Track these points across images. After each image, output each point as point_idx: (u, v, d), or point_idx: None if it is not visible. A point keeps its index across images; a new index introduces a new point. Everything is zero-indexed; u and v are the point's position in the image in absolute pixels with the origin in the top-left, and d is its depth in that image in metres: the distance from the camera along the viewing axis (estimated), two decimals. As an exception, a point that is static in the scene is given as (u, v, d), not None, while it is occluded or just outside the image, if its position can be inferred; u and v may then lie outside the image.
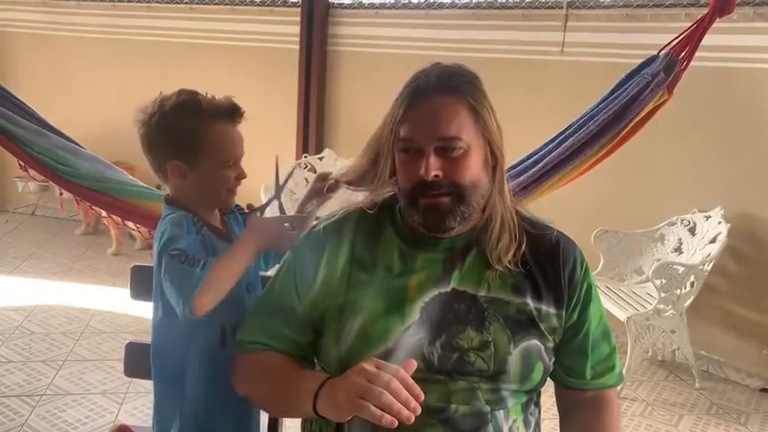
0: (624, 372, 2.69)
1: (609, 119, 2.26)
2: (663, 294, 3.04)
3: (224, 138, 1.28)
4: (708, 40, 2.31)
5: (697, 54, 2.31)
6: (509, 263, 1.12)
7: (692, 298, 3.13)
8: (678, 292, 3.06)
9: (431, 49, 4.01)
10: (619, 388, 1.83)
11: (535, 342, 1.11)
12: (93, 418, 2.64)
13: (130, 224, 2.35)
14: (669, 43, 2.32)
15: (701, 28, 2.28)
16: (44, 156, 2.20)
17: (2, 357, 3.07)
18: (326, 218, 1.23)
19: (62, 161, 2.20)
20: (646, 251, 3.48)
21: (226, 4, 4.71)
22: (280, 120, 4.44)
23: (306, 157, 4.32)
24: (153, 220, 2.13)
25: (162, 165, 1.29)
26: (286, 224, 1.29)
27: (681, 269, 3.04)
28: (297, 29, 4.44)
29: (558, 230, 1.20)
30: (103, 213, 2.53)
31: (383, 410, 0.90)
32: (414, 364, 0.97)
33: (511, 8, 3.91)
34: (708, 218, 3.29)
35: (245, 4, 4.68)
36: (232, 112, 1.28)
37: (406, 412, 0.91)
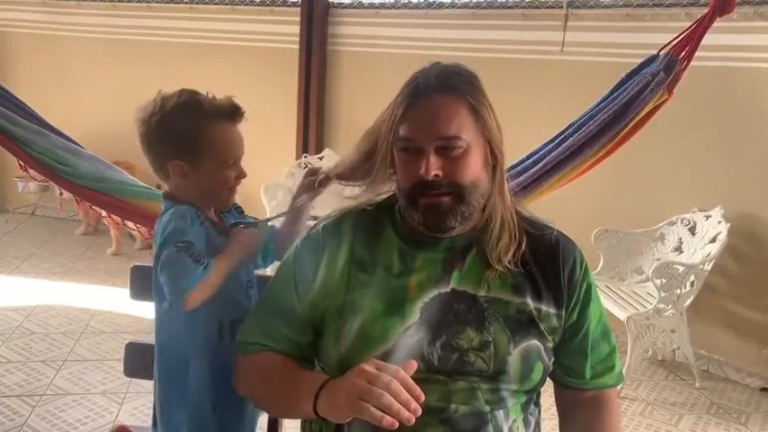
0: (624, 371, 2.69)
1: (609, 118, 2.26)
2: (663, 294, 3.04)
3: (225, 138, 1.28)
4: (708, 39, 2.30)
5: (697, 53, 2.31)
6: (509, 263, 1.12)
7: (692, 297, 3.13)
8: (678, 291, 3.06)
9: (431, 48, 4.01)
10: (619, 387, 1.83)
11: (535, 342, 1.11)
12: (93, 418, 2.64)
13: (130, 224, 2.35)
14: (669, 43, 2.32)
15: (701, 27, 2.27)
16: (44, 156, 2.20)
17: (2, 357, 3.07)
18: (325, 218, 1.23)
19: (62, 161, 2.20)
20: (646, 251, 3.48)
21: (226, 4, 4.71)
22: (280, 119, 4.44)
23: (306, 156, 4.32)
24: (153, 219, 2.11)
25: (162, 164, 1.29)
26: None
27: (681, 269, 3.04)
28: (297, 29, 4.44)
29: (557, 230, 1.20)
30: (103, 213, 2.53)
31: (383, 412, 0.90)
32: (414, 365, 0.97)
33: (511, 8, 3.91)
34: (708, 217, 3.29)
35: (245, 4, 4.68)
36: (233, 113, 1.29)
37: (406, 413, 0.91)
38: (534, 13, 3.82)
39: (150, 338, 1.40)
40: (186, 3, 4.84)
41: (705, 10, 2.30)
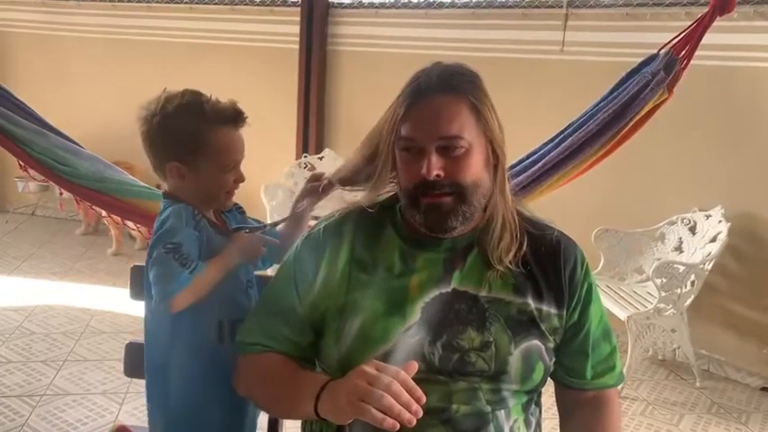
0: (625, 371, 2.68)
1: (609, 118, 2.25)
2: (663, 293, 3.04)
3: (225, 142, 1.28)
4: (708, 38, 2.30)
5: (697, 53, 2.31)
6: (510, 263, 1.12)
7: (693, 297, 3.13)
8: (678, 291, 3.06)
9: (431, 48, 4.01)
10: (619, 387, 1.83)
11: (536, 342, 1.11)
12: (93, 418, 2.64)
13: (130, 224, 2.35)
14: (669, 42, 2.32)
15: (701, 27, 2.27)
16: (44, 156, 2.20)
17: (2, 357, 3.07)
18: (326, 218, 1.23)
19: (62, 161, 2.19)
20: (646, 250, 3.48)
21: (226, 4, 4.71)
22: (280, 119, 4.44)
23: (306, 156, 4.32)
24: (153, 219, 2.10)
25: (162, 164, 1.29)
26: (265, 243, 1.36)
27: (681, 268, 3.04)
28: (297, 28, 4.44)
29: (558, 230, 1.20)
30: (103, 213, 2.53)
31: (384, 413, 0.90)
32: (415, 366, 0.97)
33: (511, 7, 3.90)
34: (708, 217, 3.29)
35: (245, 4, 4.67)
36: (235, 117, 1.28)
37: (407, 415, 0.90)
38: (534, 13, 3.82)
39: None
40: (186, 3, 4.84)
41: (705, 9, 2.30)
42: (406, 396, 0.92)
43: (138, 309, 1.38)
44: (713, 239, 3.18)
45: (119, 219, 2.30)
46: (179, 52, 4.80)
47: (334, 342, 1.12)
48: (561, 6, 3.70)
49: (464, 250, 1.14)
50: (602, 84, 2.38)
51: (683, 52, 2.29)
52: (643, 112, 2.27)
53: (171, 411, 1.30)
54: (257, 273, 1.43)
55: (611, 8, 3.61)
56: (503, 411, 1.10)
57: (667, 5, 3.41)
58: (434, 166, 1.06)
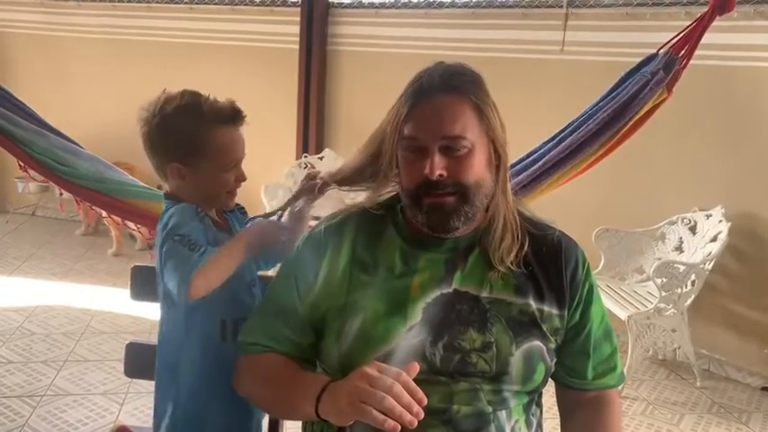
0: (625, 371, 2.68)
1: (609, 117, 2.25)
2: (664, 293, 3.04)
3: (225, 141, 1.28)
4: (708, 38, 2.30)
5: (697, 52, 2.31)
6: (511, 263, 1.12)
7: (693, 297, 3.13)
8: (679, 290, 3.06)
9: (431, 48, 4.01)
10: (620, 387, 1.83)
11: (537, 343, 1.11)
12: (93, 418, 2.64)
13: (131, 224, 2.35)
14: (669, 41, 2.32)
15: (700, 26, 2.27)
16: (44, 156, 2.20)
17: (2, 358, 3.07)
18: (327, 219, 1.23)
19: (62, 161, 2.19)
20: (646, 250, 3.48)
21: (226, 4, 4.71)
22: (280, 119, 4.44)
23: (306, 156, 4.32)
24: (153, 220, 2.12)
25: (163, 165, 1.29)
26: (281, 229, 1.32)
27: (682, 268, 3.04)
28: (297, 29, 4.44)
29: (559, 231, 1.20)
30: (104, 214, 2.53)
31: (385, 415, 0.90)
32: (416, 368, 0.97)
33: (511, 7, 3.91)
34: (708, 216, 3.29)
35: (245, 4, 4.68)
36: (234, 116, 1.28)
37: (408, 416, 0.90)
38: (534, 13, 3.82)
39: (151, 339, 1.40)
40: (186, 3, 4.84)
41: (705, 9, 2.30)
42: (407, 397, 0.92)
43: (139, 309, 1.38)
44: (713, 239, 3.18)
45: (119, 219, 2.30)
46: (179, 52, 4.80)
47: (334, 342, 1.12)
48: (561, 6, 3.70)
49: (465, 250, 1.14)
50: (601, 83, 2.38)
51: (683, 52, 2.29)
52: (643, 112, 2.27)
53: (180, 408, 1.29)
54: (259, 273, 1.43)
55: (611, 8, 3.61)
56: (504, 412, 1.10)
57: (667, 5, 3.41)
58: (437, 166, 1.06)
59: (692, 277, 3.08)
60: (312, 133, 4.52)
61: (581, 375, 1.20)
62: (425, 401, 0.94)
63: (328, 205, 1.38)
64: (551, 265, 1.15)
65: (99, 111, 4.82)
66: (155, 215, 2.08)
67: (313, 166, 4.14)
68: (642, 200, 3.55)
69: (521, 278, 1.13)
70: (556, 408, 1.27)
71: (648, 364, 3.42)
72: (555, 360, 1.16)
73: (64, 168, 2.19)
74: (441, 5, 4.15)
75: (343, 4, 4.49)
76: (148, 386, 1.57)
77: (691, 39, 2.29)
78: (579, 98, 2.42)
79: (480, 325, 1.09)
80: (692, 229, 3.35)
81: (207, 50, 4.75)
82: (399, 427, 0.90)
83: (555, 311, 1.14)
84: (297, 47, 4.46)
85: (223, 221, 1.35)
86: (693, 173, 3.40)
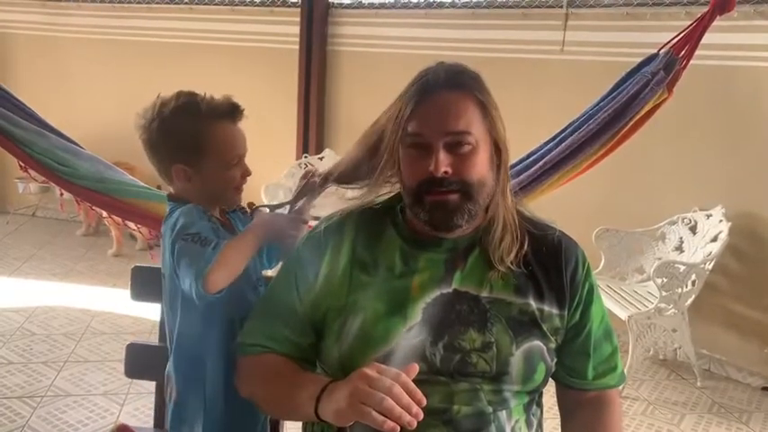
0: (626, 371, 2.68)
1: (609, 117, 2.25)
2: (664, 293, 3.04)
3: (226, 137, 1.28)
4: (708, 38, 2.30)
5: (697, 52, 2.31)
6: (511, 263, 1.12)
7: (694, 297, 3.12)
8: (679, 290, 3.06)
9: (431, 48, 4.01)
10: (620, 387, 1.83)
11: (537, 343, 1.11)
12: (94, 419, 2.64)
13: (131, 224, 2.35)
14: (669, 41, 2.32)
15: (701, 26, 2.27)
16: (44, 156, 2.20)
17: (3, 359, 3.07)
18: (327, 219, 1.23)
19: (62, 162, 2.19)
20: (647, 250, 3.48)
21: (226, 5, 4.71)
22: (280, 120, 4.44)
23: (306, 156, 4.32)
24: (153, 220, 2.13)
25: (167, 169, 1.29)
26: (290, 221, 1.33)
27: (682, 268, 3.04)
28: (297, 29, 4.44)
29: (559, 231, 1.20)
30: (104, 214, 2.53)
31: (385, 416, 0.90)
32: (416, 368, 0.97)
33: (511, 7, 3.90)
34: (709, 216, 3.29)
35: (245, 5, 4.68)
36: (232, 111, 1.28)
37: (407, 417, 0.90)
38: (534, 13, 3.82)
39: (152, 340, 1.39)
40: (186, 3, 4.84)
41: (705, 9, 2.29)
42: (406, 398, 0.92)
43: (139, 310, 1.38)
44: (714, 239, 3.18)
45: (119, 219, 2.30)
46: (179, 53, 4.80)
47: (334, 343, 1.12)
48: (561, 6, 3.70)
49: (465, 250, 1.14)
50: (602, 83, 2.38)
51: (683, 52, 2.29)
52: (643, 112, 2.27)
53: (208, 401, 1.29)
54: (263, 273, 1.43)
55: (611, 8, 3.61)
56: (504, 412, 1.10)
57: (667, 5, 3.41)
58: (442, 163, 1.05)
59: (693, 277, 3.08)
60: (312, 133, 4.52)
61: (581, 375, 1.20)
62: (425, 402, 0.94)
63: (328, 203, 1.38)
64: (551, 265, 1.15)
65: (99, 111, 4.82)
66: (155, 215, 2.09)
67: (313, 167, 4.14)
68: (642, 200, 3.55)
69: (521, 278, 1.13)
70: (556, 408, 1.27)
71: (649, 364, 3.42)
72: (555, 360, 1.15)
73: (64, 169, 2.19)
74: (441, 6, 4.16)
75: (343, 4, 4.49)
76: (149, 387, 1.57)
77: (691, 39, 2.28)
78: (579, 98, 2.42)
79: (480, 325, 1.09)
80: (693, 229, 3.35)
81: (207, 51, 4.75)
82: (399, 428, 0.90)
83: (555, 311, 1.13)
84: (297, 47, 4.46)
85: (226, 221, 1.35)
86: (694, 173, 3.40)
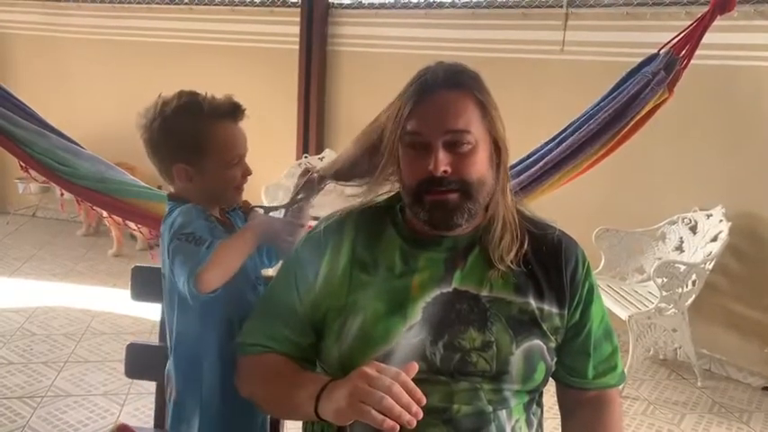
0: (626, 371, 2.68)
1: (609, 117, 2.25)
2: (664, 293, 3.04)
3: (227, 137, 1.28)
4: (708, 38, 2.30)
5: (697, 52, 2.31)
6: (511, 262, 1.12)
7: (694, 296, 3.13)
8: (680, 290, 3.06)
9: (430, 48, 4.01)
10: (621, 387, 1.83)
11: (537, 342, 1.11)
12: (94, 419, 2.64)
13: (132, 225, 2.35)
14: (669, 41, 2.32)
15: (701, 26, 2.27)
16: (45, 156, 2.20)
17: (3, 359, 3.07)
18: (327, 218, 1.23)
19: (63, 162, 2.19)
20: (647, 250, 3.48)
21: (226, 5, 4.71)
22: (280, 120, 4.44)
23: (306, 157, 4.32)
24: (154, 220, 2.13)
25: (168, 168, 1.29)
26: (287, 224, 1.32)
27: (682, 268, 3.04)
28: (297, 29, 4.44)
29: (559, 230, 1.20)
30: (104, 214, 2.53)
31: (384, 415, 0.90)
32: (415, 367, 0.97)
33: (511, 7, 3.91)
34: (709, 216, 3.29)
35: (245, 5, 4.68)
36: (234, 111, 1.28)
37: (407, 416, 0.90)
38: (534, 13, 3.82)
39: (152, 340, 1.39)
40: (186, 4, 4.84)
41: (705, 8, 2.29)
42: (406, 398, 0.92)
43: (140, 310, 1.38)
44: (714, 239, 3.18)
45: (120, 219, 2.30)
46: (179, 53, 4.80)
47: (334, 342, 1.12)
48: (561, 6, 3.70)
49: (465, 250, 1.14)
50: (602, 83, 2.37)
51: (684, 52, 2.29)
52: (643, 112, 2.27)
53: (204, 401, 1.29)
54: (262, 272, 1.43)
55: (611, 8, 3.61)
56: (504, 411, 1.10)
57: (667, 5, 3.41)
58: (442, 162, 1.05)
59: (693, 277, 3.08)
60: (312, 134, 4.52)
61: (581, 375, 1.20)
62: (424, 401, 0.94)
63: (327, 201, 1.38)
64: (551, 265, 1.15)
65: (99, 112, 4.82)
66: (156, 215, 2.09)
67: (313, 166, 4.14)
68: (643, 200, 3.55)
69: (521, 277, 1.13)
70: (557, 407, 1.27)
71: (649, 364, 3.42)
72: (555, 359, 1.15)
73: (65, 169, 2.19)
74: (441, 5, 4.16)
75: (343, 4, 4.49)
76: (149, 387, 1.57)
77: (691, 39, 2.28)
78: (580, 98, 2.42)
79: (480, 324, 1.09)
80: (693, 229, 3.35)
81: (207, 51, 4.75)
82: (398, 427, 0.90)
83: (555, 310, 1.13)
84: (297, 47, 4.46)
85: (226, 220, 1.36)
86: (694, 172, 3.40)
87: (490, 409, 1.08)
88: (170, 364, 1.34)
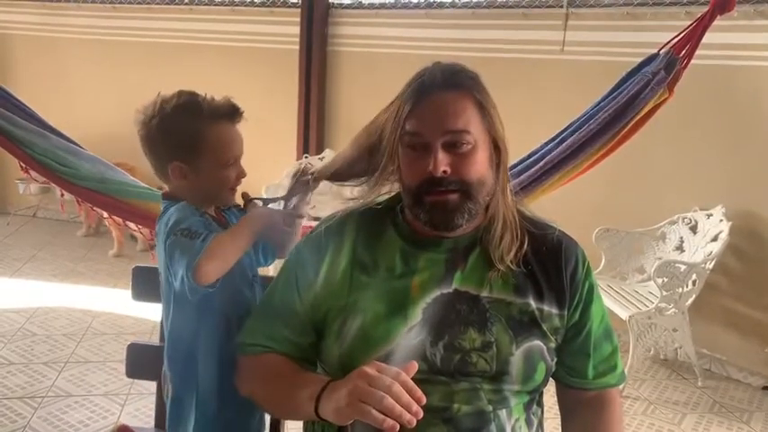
0: (626, 370, 2.68)
1: (609, 117, 2.25)
2: (665, 293, 3.04)
3: (224, 137, 1.28)
4: (708, 38, 2.30)
5: (697, 52, 2.30)
6: (511, 263, 1.12)
7: (694, 296, 3.13)
8: (680, 290, 3.06)
9: (431, 48, 4.01)
10: (621, 387, 1.83)
11: (537, 342, 1.11)
12: (95, 419, 2.64)
13: (132, 225, 2.35)
14: (669, 41, 2.31)
15: (701, 26, 2.27)
16: (45, 157, 2.20)
17: (4, 359, 3.07)
18: (327, 219, 1.23)
19: (63, 162, 2.19)
20: (647, 250, 3.49)
21: (226, 5, 4.72)
22: (280, 120, 4.45)
23: (306, 157, 4.32)
24: (154, 220, 2.11)
25: (163, 166, 1.29)
26: (285, 217, 1.33)
27: (682, 268, 3.04)
28: (297, 29, 4.44)
29: (559, 230, 1.20)
30: (105, 214, 2.53)
31: (385, 414, 0.90)
32: (415, 367, 0.97)
33: (511, 7, 3.91)
34: (709, 216, 3.29)
35: (245, 5, 4.68)
36: (231, 113, 1.29)
37: (407, 416, 0.90)
38: (534, 13, 3.82)
39: (152, 340, 1.39)
40: (186, 4, 4.84)
41: (705, 8, 2.29)
42: (406, 397, 0.92)
43: (140, 310, 1.38)
44: (714, 239, 3.18)
45: (120, 220, 2.30)
46: (179, 54, 4.80)
47: (335, 342, 1.12)
48: (561, 6, 3.70)
49: (465, 250, 1.14)
50: (602, 83, 2.37)
51: (684, 52, 2.29)
52: (644, 112, 2.27)
53: (201, 404, 1.29)
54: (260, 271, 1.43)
55: (611, 8, 3.61)
56: (504, 410, 1.10)
57: (667, 5, 3.41)
58: (441, 163, 1.05)
59: (693, 277, 3.08)
60: (312, 134, 4.52)
61: (581, 375, 1.20)
62: (424, 401, 0.94)
63: (327, 201, 1.38)
64: (551, 265, 1.15)
65: (99, 112, 4.82)
66: (156, 216, 2.06)
67: (310, 165, 4.14)
68: (643, 199, 3.55)
69: (520, 277, 1.13)
70: (557, 407, 1.27)
71: (650, 364, 3.42)
72: (555, 359, 1.16)
73: (65, 169, 2.19)
74: (441, 5, 4.16)
75: (343, 4, 4.49)
76: (150, 387, 1.57)
77: (692, 39, 2.28)
78: (580, 98, 2.41)
79: (480, 325, 1.09)
80: (693, 229, 3.35)
81: (207, 51, 4.75)
82: (398, 427, 0.90)
83: (555, 311, 1.13)
84: (297, 47, 4.46)
85: (221, 218, 1.36)
86: (694, 172, 3.40)
87: (490, 408, 1.08)
88: (166, 363, 1.34)
